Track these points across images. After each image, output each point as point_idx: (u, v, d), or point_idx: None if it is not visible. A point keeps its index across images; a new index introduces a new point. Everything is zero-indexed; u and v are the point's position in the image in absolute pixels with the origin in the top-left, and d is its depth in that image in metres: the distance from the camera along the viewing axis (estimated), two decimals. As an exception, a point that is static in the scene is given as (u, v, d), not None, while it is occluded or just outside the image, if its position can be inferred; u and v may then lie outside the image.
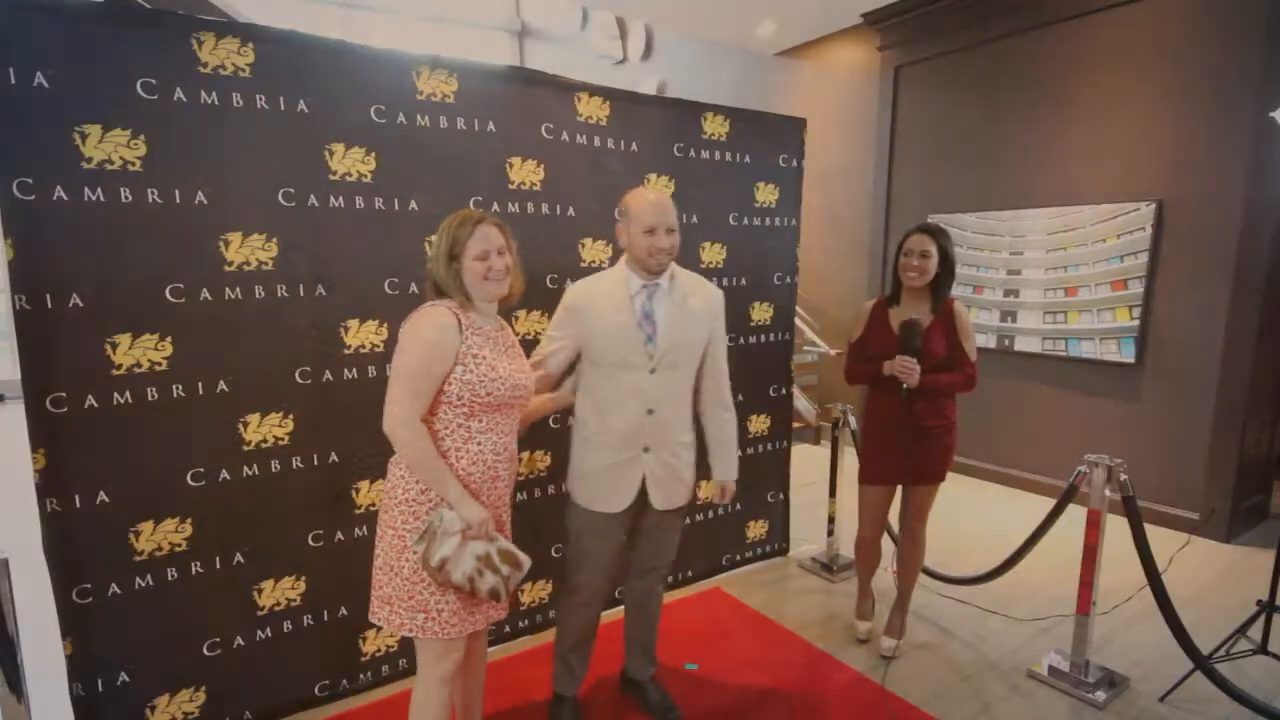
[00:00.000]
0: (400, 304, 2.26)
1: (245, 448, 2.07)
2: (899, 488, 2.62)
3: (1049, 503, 2.76)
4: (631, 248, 1.94)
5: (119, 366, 1.87)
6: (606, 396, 1.98)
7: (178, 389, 1.95)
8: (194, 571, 2.04)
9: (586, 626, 2.16)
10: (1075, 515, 2.51)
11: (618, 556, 2.10)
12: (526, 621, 2.76)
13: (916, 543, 2.63)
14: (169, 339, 1.93)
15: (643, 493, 2.03)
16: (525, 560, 1.74)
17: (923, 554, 2.67)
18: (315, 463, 2.19)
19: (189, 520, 2.01)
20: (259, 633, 2.17)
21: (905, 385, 2.36)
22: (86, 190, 1.78)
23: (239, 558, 2.10)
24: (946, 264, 2.42)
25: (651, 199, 1.93)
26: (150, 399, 1.92)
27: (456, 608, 1.67)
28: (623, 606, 2.36)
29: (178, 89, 1.86)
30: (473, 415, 1.66)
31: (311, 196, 2.09)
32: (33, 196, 1.72)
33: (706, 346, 2.09)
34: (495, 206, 2.42)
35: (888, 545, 2.81)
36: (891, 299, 2.53)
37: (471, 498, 1.65)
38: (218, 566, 2.07)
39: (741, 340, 3.16)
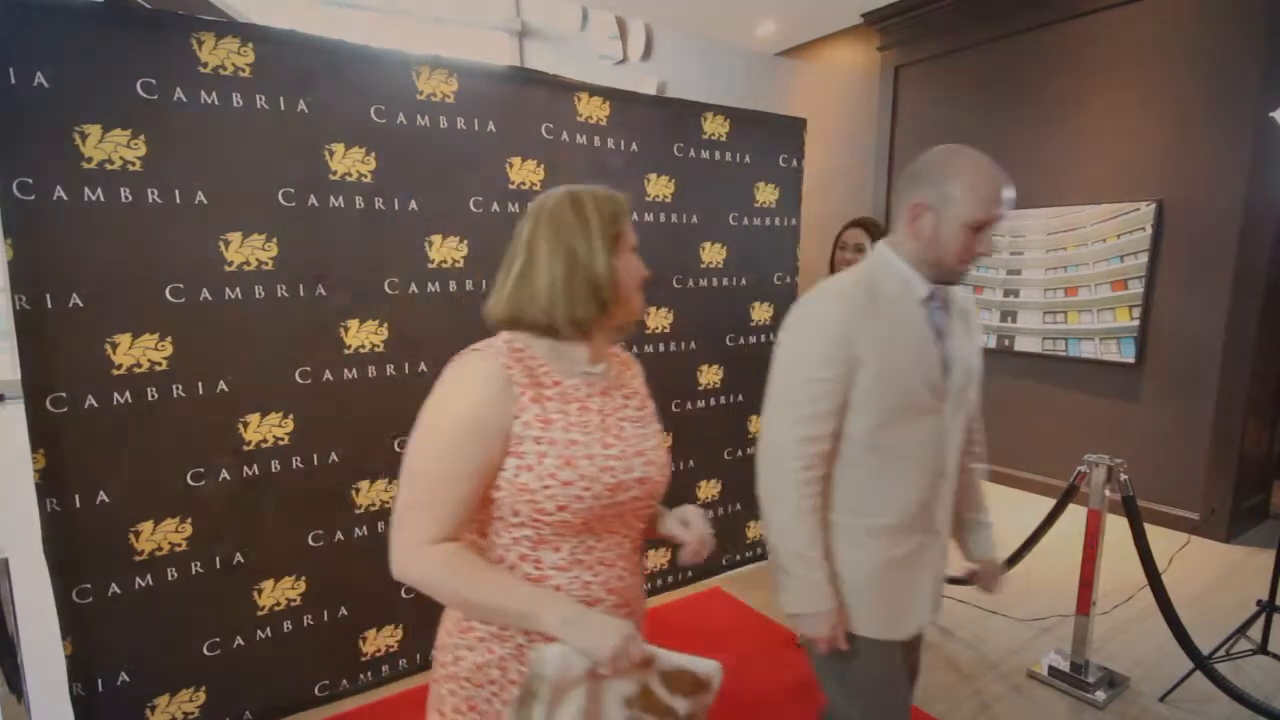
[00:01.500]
0: (400, 304, 2.26)
1: (245, 448, 2.07)
2: None
3: (1049, 503, 2.76)
4: (936, 239, 1.27)
5: (119, 366, 1.87)
6: (888, 458, 1.32)
7: (178, 389, 1.95)
8: (194, 571, 2.03)
9: None
10: (1075, 515, 2.51)
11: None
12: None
13: None
14: (169, 339, 1.92)
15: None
16: (710, 670, 1.05)
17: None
18: (315, 463, 2.19)
19: (189, 520, 2.01)
20: (259, 633, 2.16)
21: None
22: (86, 190, 1.78)
23: (239, 558, 2.10)
24: None
25: (997, 179, 1.25)
26: (150, 399, 1.92)
27: None
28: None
29: (178, 89, 1.86)
30: (542, 542, 0.98)
31: (311, 196, 2.09)
32: (33, 196, 1.72)
33: None
34: (495, 206, 2.42)
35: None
36: None
37: (589, 609, 0.96)
38: (218, 566, 2.07)
39: (741, 340, 3.16)
